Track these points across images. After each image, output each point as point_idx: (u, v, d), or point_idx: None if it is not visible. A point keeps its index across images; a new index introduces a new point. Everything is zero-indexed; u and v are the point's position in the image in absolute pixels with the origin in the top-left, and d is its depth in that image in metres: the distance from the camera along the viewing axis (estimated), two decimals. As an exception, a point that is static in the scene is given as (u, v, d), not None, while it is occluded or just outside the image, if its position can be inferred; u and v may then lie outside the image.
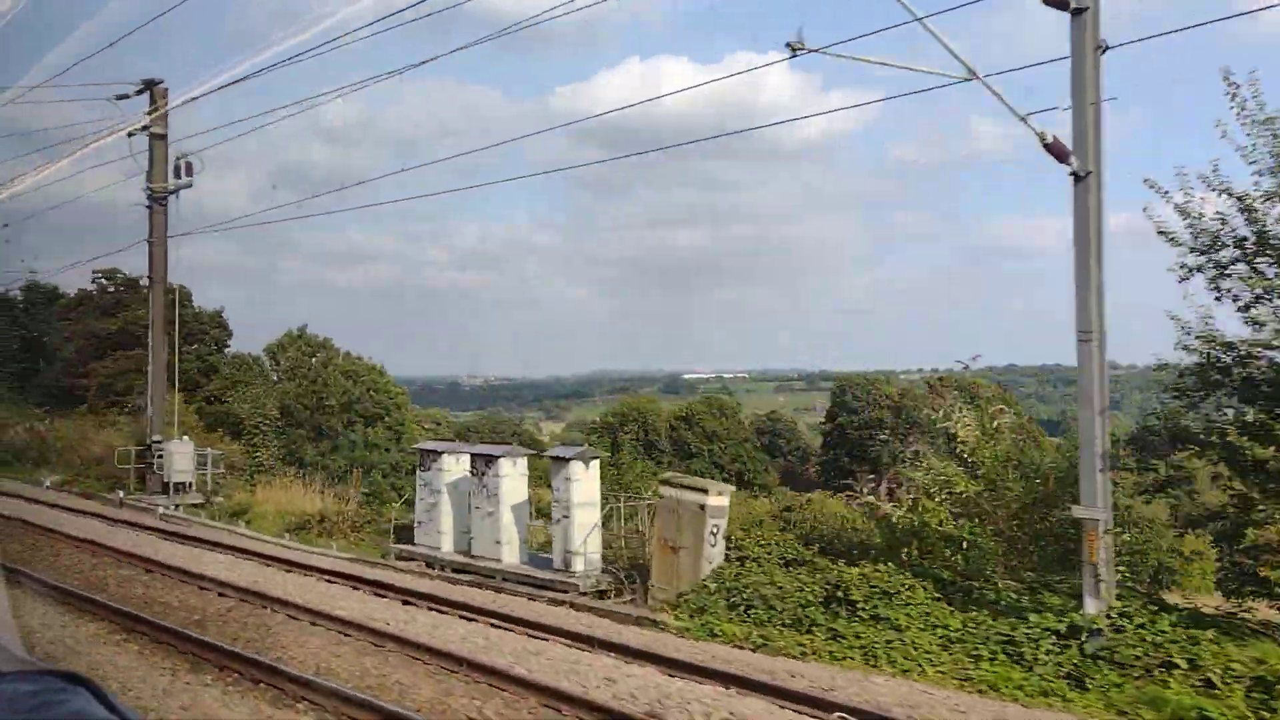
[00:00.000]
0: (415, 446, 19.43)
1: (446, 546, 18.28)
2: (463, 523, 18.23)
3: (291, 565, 18.13)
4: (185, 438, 26.76)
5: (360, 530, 21.50)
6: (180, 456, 25.89)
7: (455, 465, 18.32)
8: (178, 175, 26.33)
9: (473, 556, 17.57)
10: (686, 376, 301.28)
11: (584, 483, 15.45)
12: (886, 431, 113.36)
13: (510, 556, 16.97)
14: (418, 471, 18.88)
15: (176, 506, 24.90)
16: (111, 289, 67.14)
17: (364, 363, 73.24)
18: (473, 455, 17.69)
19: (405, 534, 19.84)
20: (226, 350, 63.86)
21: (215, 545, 20.28)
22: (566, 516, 15.42)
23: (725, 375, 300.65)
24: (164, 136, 26.22)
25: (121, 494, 26.37)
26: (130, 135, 25.65)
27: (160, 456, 26.66)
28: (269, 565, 18.26)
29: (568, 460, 15.86)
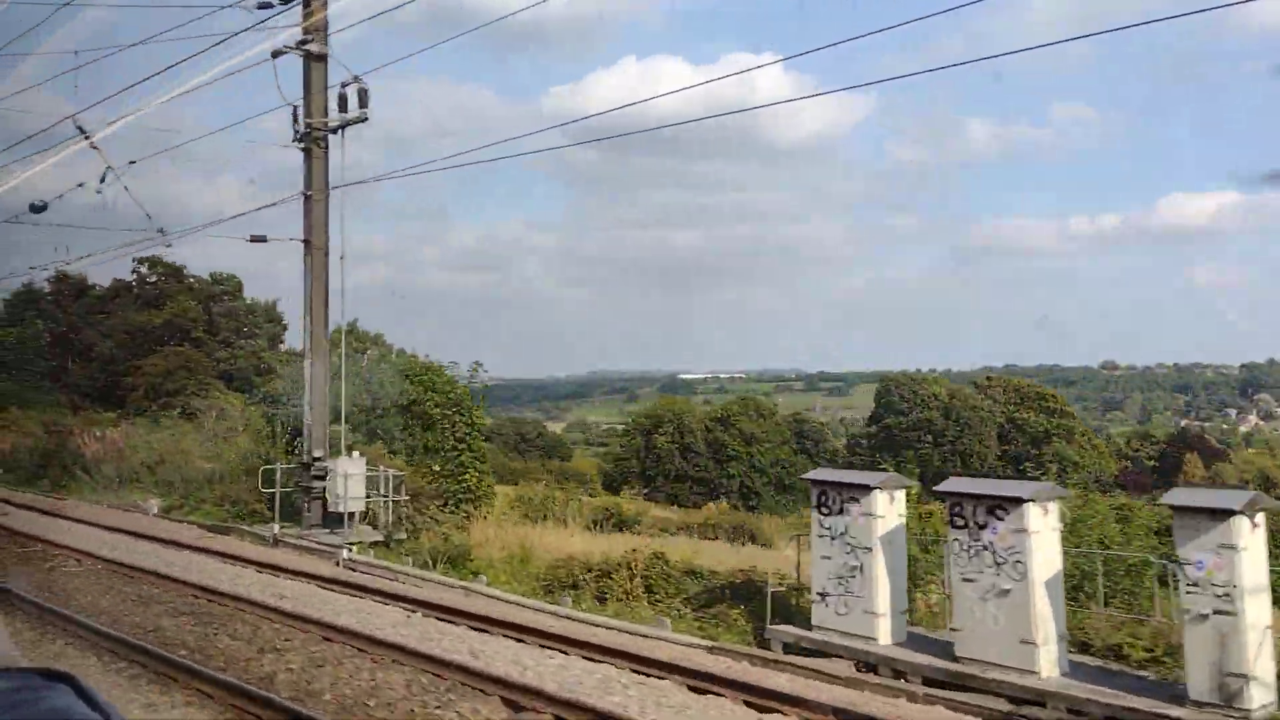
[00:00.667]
0: (808, 477, 12.44)
1: (883, 636, 11.41)
2: (901, 597, 11.37)
3: (632, 660, 11.23)
4: (357, 453, 19.73)
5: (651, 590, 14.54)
6: (353, 479, 18.85)
7: (890, 508, 11.46)
8: (343, 108, 19.22)
9: (959, 660, 10.68)
10: (683, 377, 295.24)
11: (1249, 552, 8.67)
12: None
13: (1050, 666, 10.09)
14: (815, 515, 11.97)
15: (351, 547, 17.86)
16: (153, 279, 59.72)
17: (426, 362, 66.16)
18: (962, 498, 10.76)
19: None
20: (280, 347, 56.69)
21: (475, 620, 13.28)
22: (1229, 611, 8.60)
23: (721, 375, 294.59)
24: (324, 57, 19.12)
25: (276, 529, 19.31)
26: (275, 56, 18.58)
27: (322, 477, 19.61)
28: (594, 659, 11.38)
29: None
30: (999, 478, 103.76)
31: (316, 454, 19.88)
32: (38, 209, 19.19)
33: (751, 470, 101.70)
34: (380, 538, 19.25)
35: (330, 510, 19.61)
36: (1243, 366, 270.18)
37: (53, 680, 1.27)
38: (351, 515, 19.10)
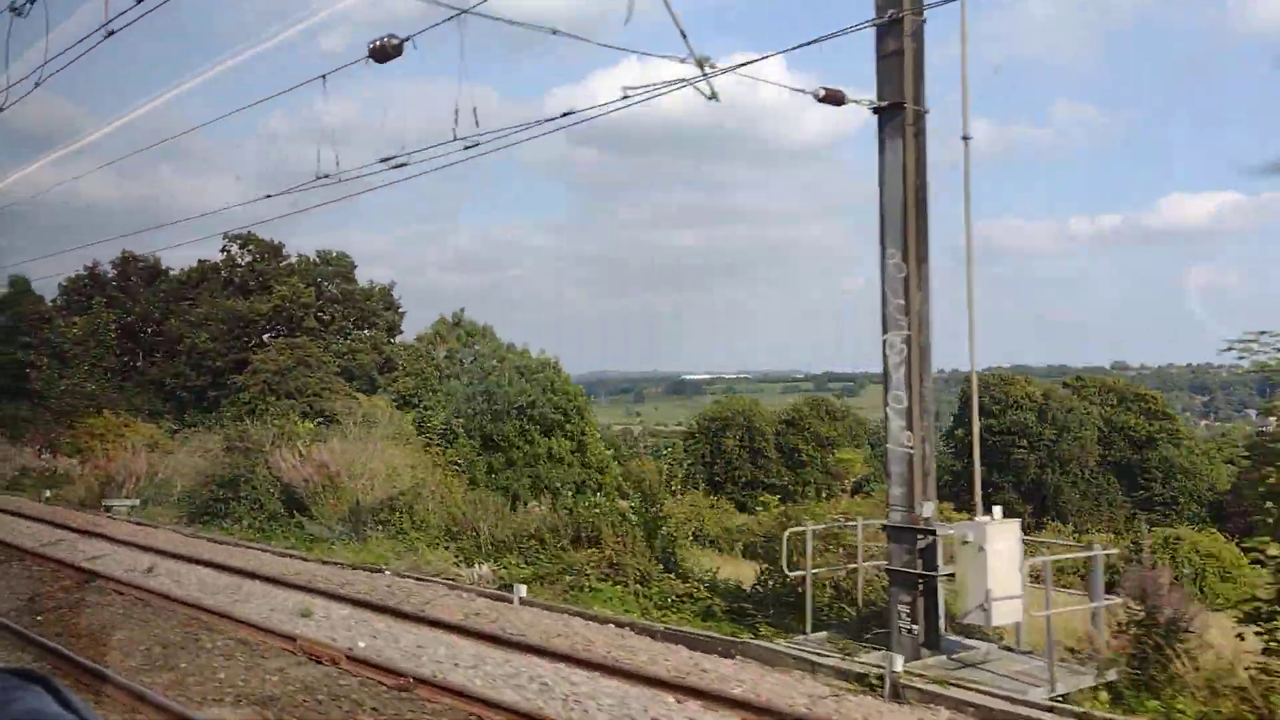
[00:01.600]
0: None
1: None
2: None
3: None
4: (998, 512, 9.93)
5: None
6: (1004, 560, 9.12)
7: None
8: None
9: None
10: (686, 378, 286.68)
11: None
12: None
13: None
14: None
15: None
16: (246, 259, 49.46)
17: (540, 358, 56.29)
18: None
19: None
20: (398, 337, 46.79)
21: None
22: None
23: (726, 376, 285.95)
24: None
25: (896, 666, 9.34)
26: None
27: (929, 552, 9.77)
28: None
29: None
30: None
31: (925, 506, 10.03)
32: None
33: (827, 476, 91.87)
34: (1092, 679, 9.49)
35: (960, 620, 9.84)
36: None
37: (27, 681, 1.22)
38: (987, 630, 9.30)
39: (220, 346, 43.80)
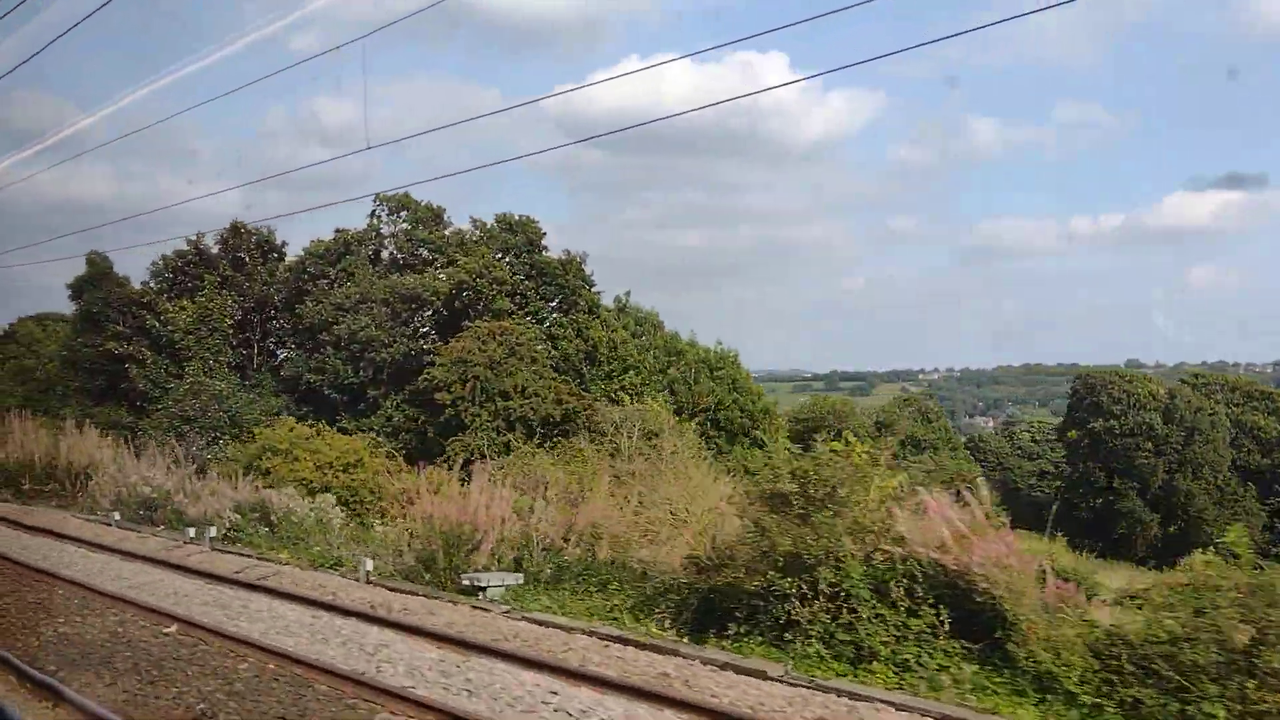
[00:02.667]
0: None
1: None
2: None
3: None
4: None
5: None
6: None
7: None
8: None
9: None
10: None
11: None
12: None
13: None
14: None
15: None
16: (400, 226, 38.90)
17: (718, 350, 46.03)
18: None
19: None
20: (595, 314, 36.12)
21: None
22: None
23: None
24: None
25: None
26: None
27: None
28: None
29: None
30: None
31: None
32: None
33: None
34: None
35: None
36: (1275, 365, 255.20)
37: None
38: None
39: (384, 335, 33.57)
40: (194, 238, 43.02)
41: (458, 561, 12.85)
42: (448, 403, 28.81)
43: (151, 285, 43.80)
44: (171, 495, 18.39)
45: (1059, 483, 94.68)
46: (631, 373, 32.59)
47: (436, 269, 35.67)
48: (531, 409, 28.26)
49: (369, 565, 12.59)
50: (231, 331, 40.07)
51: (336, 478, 23.80)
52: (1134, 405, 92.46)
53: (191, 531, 16.46)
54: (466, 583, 12.27)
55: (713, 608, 10.59)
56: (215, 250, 43.55)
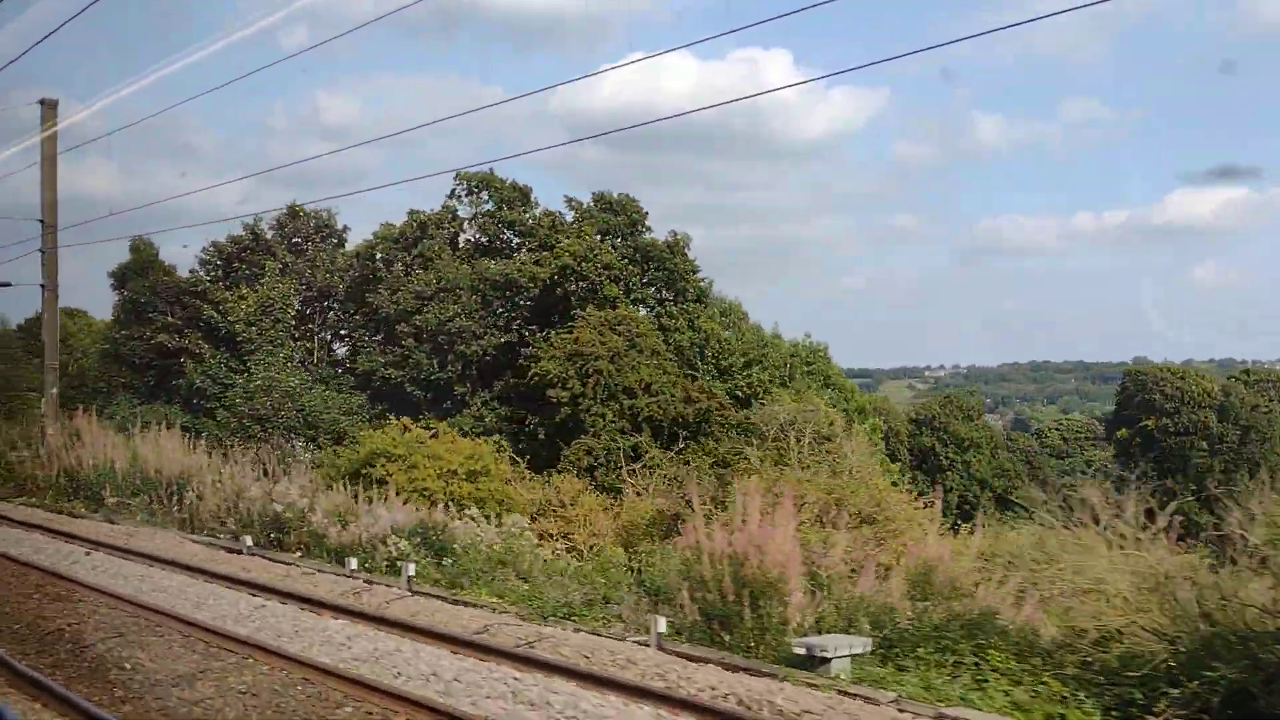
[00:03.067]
0: None
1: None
2: None
3: None
4: None
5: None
6: None
7: None
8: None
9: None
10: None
11: None
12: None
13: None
14: None
15: None
16: (483, 208, 34.92)
17: (806, 343, 42.50)
18: None
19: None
20: (704, 304, 32.42)
21: None
22: None
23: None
24: None
25: None
26: None
27: None
28: None
29: None
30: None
31: None
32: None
33: (972, 482, 78.33)
34: None
35: None
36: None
37: None
38: None
39: (474, 325, 30.04)
40: (250, 221, 39.60)
41: (768, 616, 9.44)
42: (563, 401, 25.33)
43: (201, 274, 40.40)
44: (306, 514, 14.98)
45: (1107, 483, 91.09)
46: (757, 368, 29.12)
47: (525, 253, 32.16)
48: (659, 408, 24.80)
49: (661, 626, 9.11)
50: (294, 323, 36.65)
51: (460, 487, 20.38)
52: (1187, 402, 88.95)
53: (353, 563, 13.03)
54: (800, 651, 8.86)
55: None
56: (269, 235, 40.16)
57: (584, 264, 28.64)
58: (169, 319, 37.40)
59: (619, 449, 23.51)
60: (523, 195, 33.78)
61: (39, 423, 27.80)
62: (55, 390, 25.16)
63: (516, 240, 33.52)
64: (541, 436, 26.16)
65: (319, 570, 12.97)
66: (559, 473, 23.56)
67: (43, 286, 25.62)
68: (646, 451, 24.02)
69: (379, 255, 36.86)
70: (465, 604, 10.96)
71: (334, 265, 38.63)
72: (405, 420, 21.86)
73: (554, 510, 21.65)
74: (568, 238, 30.25)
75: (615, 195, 31.90)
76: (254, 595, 11.19)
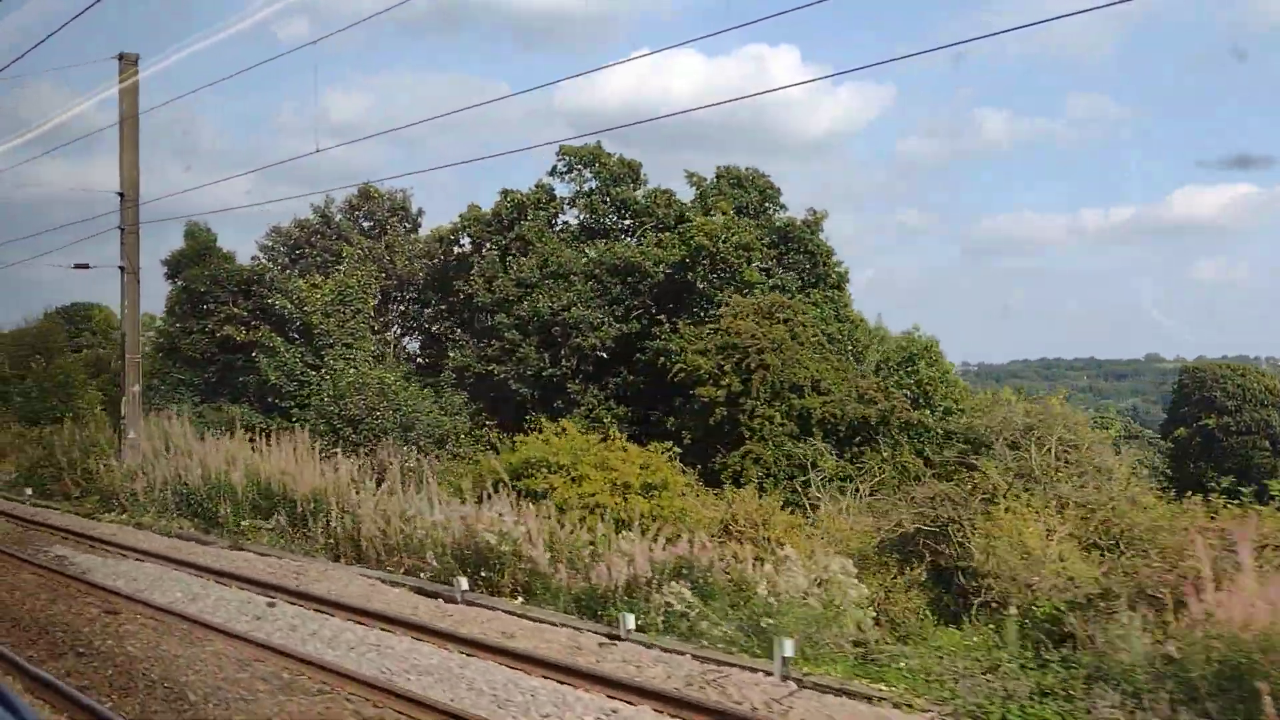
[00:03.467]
0: None
1: None
2: None
3: None
4: None
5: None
6: None
7: None
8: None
9: None
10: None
11: None
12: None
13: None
14: None
15: None
16: (586, 185, 31.27)
17: (913, 337, 38.95)
18: None
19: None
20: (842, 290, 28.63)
21: None
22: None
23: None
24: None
25: None
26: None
27: None
28: None
29: None
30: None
31: None
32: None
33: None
34: None
35: None
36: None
37: None
38: None
39: (593, 315, 26.63)
40: (320, 203, 36.16)
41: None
42: (718, 400, 21.92)
43: (264, 261, 37.03)
44: (521, 546, 11.53)
45: (1165, 484, 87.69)
46: (923, 363, 25.72)
47: (647, 233, 28.70)
48: (836, 409, 21.39)
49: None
50: (373, 314, 33.25)
51: (640, 504, 17.00)
52: (1249, 400, 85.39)
53: (631, 621, 9.64)
54: None
55: None
56: (338, 219, 36.76)
57: (721, 244, 25.18)
58: (233, 309, 34.02)
59: (799, 456, 20.11)
60: (632, 171, 30.32)
61: (102, 425, 24.45)
62: (139, 388, 21.74)
63: (627, 221, 30.09)
64: (687, 441, 22.72)
65: (587, 630, 9.57)
66: (716, 484, 20.20)
67: (121, 269, 22.23)
68: (819, 459, 20.64)
69: (466, 239, 33.49)
70: (858, 696, 7.60)
71: (412, 250, 35.27)
72: (566, 422, 18.46)
73: (743, 532, 18.23)
74: (695, 216, 26.78)
75: (743, 169, 28.45)
76: (564, 684, 7.78)
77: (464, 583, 11.25)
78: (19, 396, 28.47)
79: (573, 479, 17.55)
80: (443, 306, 33.38)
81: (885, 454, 20.40)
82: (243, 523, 16.44)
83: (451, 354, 30.66)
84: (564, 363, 26.91)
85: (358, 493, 15.56)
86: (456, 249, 33.93)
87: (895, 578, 14.24)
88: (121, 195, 21.93)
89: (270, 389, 30.55)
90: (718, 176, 28.51)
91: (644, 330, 26.72)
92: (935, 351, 38.19)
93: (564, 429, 18.44)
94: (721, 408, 22.01)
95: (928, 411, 23.38)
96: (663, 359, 25.11)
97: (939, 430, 22.70)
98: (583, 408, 27.37)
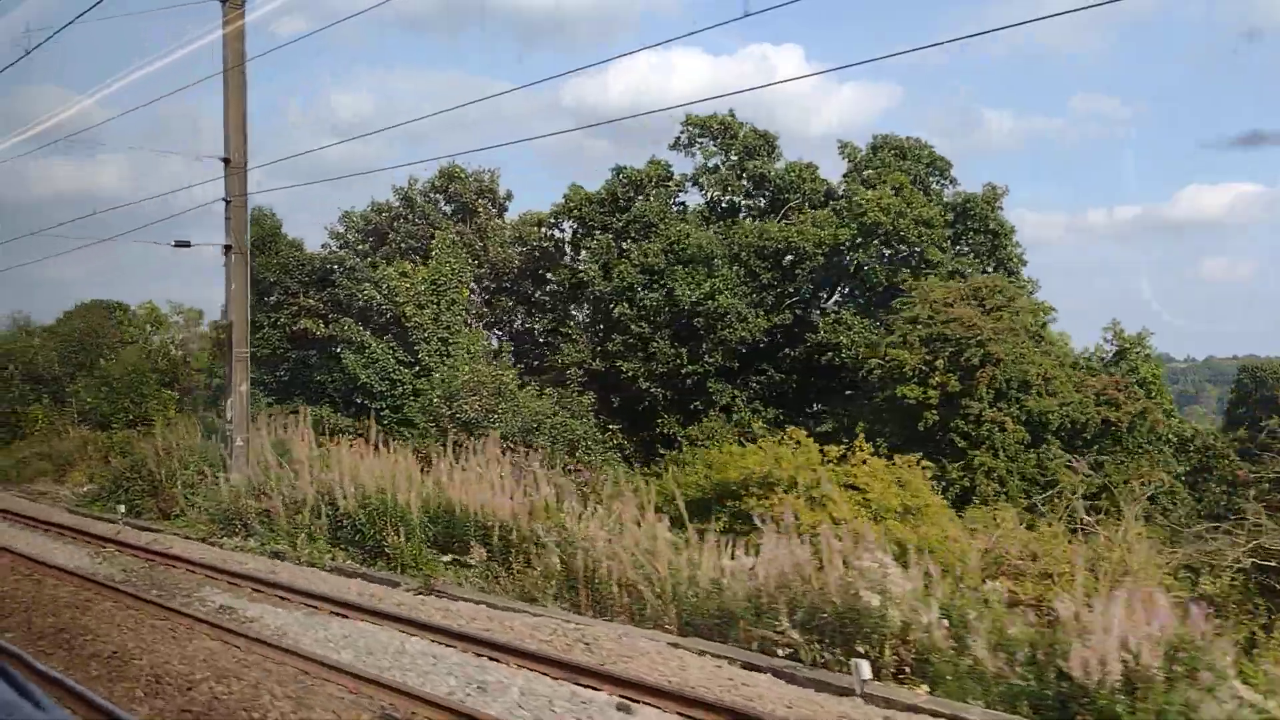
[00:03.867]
0: None
1: None
2: None
3: None
4: None
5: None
6: None
7: None
8: None
9: None
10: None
11: None
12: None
13: None
14: None
15: None
16: (724, 160, 27.20)
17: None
18: None
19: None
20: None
21: None
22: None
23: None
24: None
25: None
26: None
27: None
28: None
29: None
30: None
31: None
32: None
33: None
34: None
35: None
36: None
37: None
38: None
39: (741, 305, 23.11)
40: (402, 186, 32.63)
41: None
42: (931, 401, 18.40)
43: (334, 247, 33.56)
44: (919, 615, 8.06)
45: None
46: (1139, 360, 22.17)
47: (781, 214, 25.18)
48: (1076, 413, 17.90)
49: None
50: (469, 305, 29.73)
51: (902, 533, 13.51)
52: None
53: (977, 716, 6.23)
54: None
55: None
56: (420, 199, 33.25)
57: (899, 219, 21.65)
58: (306, 301, 30.56)
59: (1047, 470, 16.60)
60: (767, 143, 26.80)
61: (192, 429, 20.84)
62: (246, 387, 18.16)
63: (761, 199, 26.56)
64: (884, 449, 19.15)
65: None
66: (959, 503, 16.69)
67: (227, 247, 18.67)
68: (1053, 469, 17.14)
69: (569, 223, 29.98)
70: None
71: (506, 235, 31.74)
72: (795, 431, 14.95)
73: (1017, 567, 14.70)
74: (854, 190, 23.26)
75: (904, 139, 24.93)
76: None
77: (865, 669, 7.72)
78: (88, 398, 24.83)
79: (811, 502, 14.10)
80: (545, 297, 29.87)
81: (1144, 465, 16.91)
82: (418, 555, 12.92)
83: (564, 348, 27.11)
84: (707, 359, 23.38)
85: (578, 520, 12.08)
86: (557, 233, 30.45)
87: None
88: (226, 161, 18.33)
89: (360, 389, 27.05)
90: (874, 148, 24.98)
91: (799, 320, 23.19)
92: (1147, 346, 34.13)
93: (795, 440, 14.88)
94: (932, 411, 18.48)
95: (1161, 414, 19.87)
96: (830, 353, 21.60)
97: (1171, 436, 19.20)
98: (717, 408, 23.89)
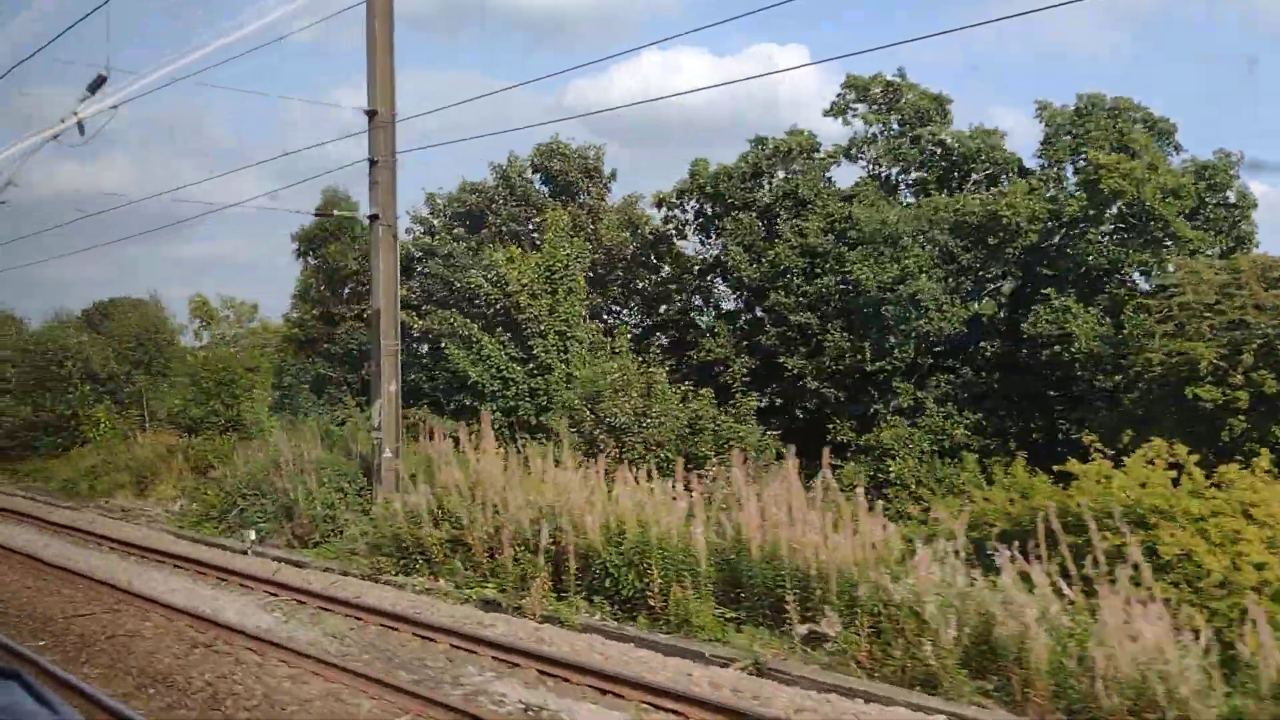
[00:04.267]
0: None
1: None
2: None
3: None
4: None
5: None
6: None
7: None
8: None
9: None
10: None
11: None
12: None
13: None
14: None
15: None
16: (885, 127, 23.59)
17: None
18: None
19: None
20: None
21: None
22: None
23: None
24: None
25: None
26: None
27: None
28: None
29: None
30: None
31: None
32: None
33: None
34: None
35: None
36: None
37: (1, 678, 1.08)
38: None
39: (939, 291, 19.39)
40: (500, 164, 28.89)
41: None
42: (1241, 405, 14.68)
43: (421, 234, 29.92)
44: None
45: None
46: None
47: (973, 186, 21.50)
48: None
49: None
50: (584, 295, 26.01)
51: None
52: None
53: None
54: None
55: None
56: (516, 182, 29.53)
57: (1143, 186, 17.92)
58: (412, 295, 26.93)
59: None
60: (940, 106, 23.08)
61: (313, 436, 16.99)
62: (396, 387, 14.45)
63: (933, 171, 22.82)
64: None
65: None
66: None
67: (372, 218, 15.00)
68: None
69: (692, 202, 26.26)
70: None
71: (613, 218, 28.01)
72: (1159, 444, 11.26)
73: None
74: (1062, 156, 19.53)
75: (1108, 100, 21.21)
76: None
77: None
78: (174, 399, 21.10)
79: (1210, 542, 10.38)
80: (668, 284, 26.14)
81: None
82: (702, 615, 9.20)
83: (703, 342, 23.36)
84: (900, 353, 19.61)
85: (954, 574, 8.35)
86: (679, 214, 26.75)
87: None
88: (371, 114, 14.65)
89: (469, 388, 23.34)
90: (1078, 111, 21.24)
91: (1008, 307, 19.45)
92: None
93: (1157, 454, 11.11)
94: (1239, 417, 14.72)
95: None
96: (1055, 347, 17.85)
97: None
98: (890, 411, 20.13)
